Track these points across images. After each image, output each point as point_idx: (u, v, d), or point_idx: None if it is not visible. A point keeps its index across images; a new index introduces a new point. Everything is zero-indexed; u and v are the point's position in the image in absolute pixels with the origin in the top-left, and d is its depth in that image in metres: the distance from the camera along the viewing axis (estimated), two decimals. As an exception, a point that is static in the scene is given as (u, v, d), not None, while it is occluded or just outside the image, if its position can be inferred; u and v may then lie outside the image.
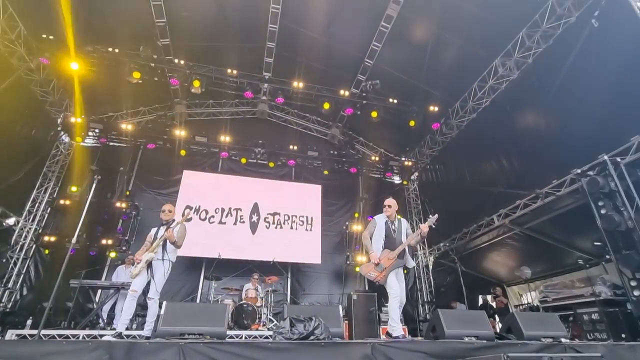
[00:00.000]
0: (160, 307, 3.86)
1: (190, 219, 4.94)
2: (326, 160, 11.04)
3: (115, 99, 9.41)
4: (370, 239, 4.59)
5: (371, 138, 11.67)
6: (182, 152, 9.82)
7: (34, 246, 8.32)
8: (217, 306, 4.36)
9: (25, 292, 7.96)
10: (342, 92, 9.25)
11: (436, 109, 9.32)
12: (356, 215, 10.88)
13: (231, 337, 5.30)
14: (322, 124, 11.67)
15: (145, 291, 4.46)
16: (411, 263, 4.53)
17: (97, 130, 9.36)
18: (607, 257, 5.81)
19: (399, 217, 4.71)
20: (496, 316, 8.44)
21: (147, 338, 4.05)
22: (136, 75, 7.70)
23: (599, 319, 6.02)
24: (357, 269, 9.81)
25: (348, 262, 9.76)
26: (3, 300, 7.46)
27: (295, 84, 9.04)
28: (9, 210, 8.00)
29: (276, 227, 9.69)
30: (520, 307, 9.12)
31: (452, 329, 3.71)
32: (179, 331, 3.29)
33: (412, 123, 9.20)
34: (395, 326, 4.07)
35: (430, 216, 4.46)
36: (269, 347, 2.70)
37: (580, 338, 6.18)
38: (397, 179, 11.94)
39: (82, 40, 7.32)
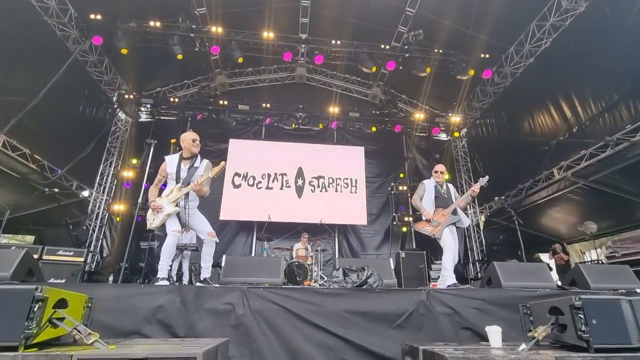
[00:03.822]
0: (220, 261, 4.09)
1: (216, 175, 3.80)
2: (368, 120, 10.76)
3: (161, 73, 9.80)
4: (420, 201, 4.74)
5: (415, 95, 11.04)
6: (234, 124, 10.16)
7: (107, 214, 9.27)
8: (272, 259, 4.61)
9: (104, 254, 9.02)
10: (382, 46, 8.74)
11: (487, 56, 8.54)
12: (401, 175, 10.67)
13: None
14: (362, 84, 11.29)
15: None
16: (466, 221, 4.63)
17: (148, 106, 9.89)
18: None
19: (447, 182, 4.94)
20: (555, 275, 8.04)
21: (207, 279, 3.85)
22: (180, 56, 7.97)
23: (677, 274, 5.49)
24: (404, 228, 9.78)
25: (395, 223, 9.71)
26: (88, 262, 8.51)
27: (332, 42, 8.68)
28: (83, 183, 8.90)
29: (321, 191, 9.82)
30: (585, 264, 8.57)
31: (510, 281, 3.57)
32: (239, 281, 3.52)
33: (471, 72, 8.46)
34: (448, 275, 4.11)
35: (481, 177, 4.61)
36: (325, 292, 2.81)
37: (655, 294, 5.72)
38: (444, 136, 11.40)
39: (125, 16, 7.58)
